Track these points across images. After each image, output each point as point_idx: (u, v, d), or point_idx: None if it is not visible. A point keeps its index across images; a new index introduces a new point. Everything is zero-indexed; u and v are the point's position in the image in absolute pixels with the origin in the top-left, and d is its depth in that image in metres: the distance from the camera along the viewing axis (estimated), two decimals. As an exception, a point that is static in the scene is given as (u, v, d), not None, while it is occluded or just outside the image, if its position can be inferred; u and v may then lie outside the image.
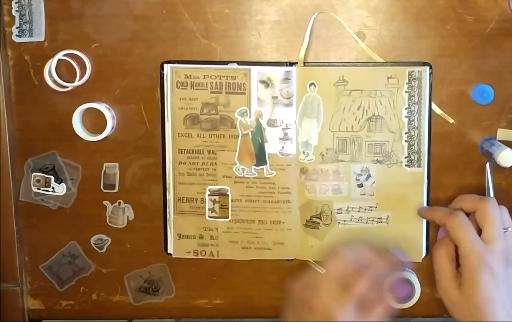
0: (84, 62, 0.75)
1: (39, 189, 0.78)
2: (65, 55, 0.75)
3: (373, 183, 0.76)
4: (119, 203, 0.79)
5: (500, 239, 0.66)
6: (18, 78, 0.76)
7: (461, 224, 0.67)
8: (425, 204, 0.76)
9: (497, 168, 0.75)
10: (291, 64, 0.75)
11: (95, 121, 0.76)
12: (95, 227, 0.79)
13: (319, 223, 0.77)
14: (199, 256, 0.78)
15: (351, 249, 0.67)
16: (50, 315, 0.81)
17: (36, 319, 0.81)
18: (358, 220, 0.77)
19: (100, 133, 0.75)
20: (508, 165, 0.72)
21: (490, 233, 0.67)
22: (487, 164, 0.76)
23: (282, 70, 0.75)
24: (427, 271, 0.78)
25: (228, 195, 0.77)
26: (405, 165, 0.76)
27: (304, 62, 0.75)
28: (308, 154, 0.76)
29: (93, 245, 0.79)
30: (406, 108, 0.75)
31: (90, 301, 0.81)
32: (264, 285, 0.80)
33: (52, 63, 0.74)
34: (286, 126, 0.75)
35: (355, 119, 0.75)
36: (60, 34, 0.75)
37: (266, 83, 0.75)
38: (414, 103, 0.75)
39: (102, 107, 0.75)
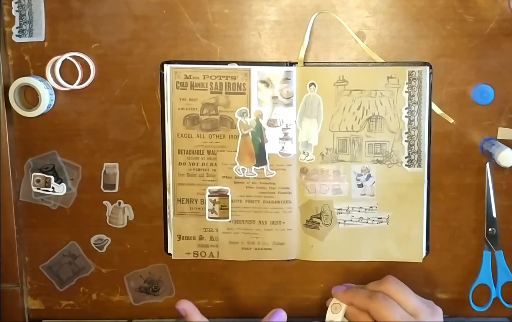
0: (87, 63, 0.75)
1: (39, 189, 0.78)
2: (69, 55, 0.75)
3: (373, 183, 0.76)
4: (119, 203, 0.79)
5: (422, 306, 0.66)
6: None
7: (385, 305, 0.66)
8: (425, 204, 0.76)
9: (497, 168, 0.75)
10: (291, 64, 0.75)
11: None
12: (95, 227, 0.79)
13: (319, 223, 0.77)
14: (199, 257, 0.78)
15: None
16: (50, 315, 0.81)
17: (36, 319, 0.81)
18: (358, 220, 0.77)
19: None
20: (508, 165, 0.72)
21: (411, 305, 0.66)
22: (487, 164, 0.76)
23: (282, 70, 0.75)
24: (427, 271, 0.78)
25: (228, 196, 0.77)
26: (405, 165, 0.76)
27: (304, 62, 0.75)
28: (308, 154, 0.76)
29: (93, 245, 0.79)
30: (406, 108, 0.75)
31: (90, 301, 0.81)
32: (264, 285, 0.80)
33: (57, 64, 0.74)
34: (286, 126, 0.75)
35: (355, 119, 0.75)
36: (60, 34, 0.75)
37: (266, 83, 0.75)
38: (414, 103, 0.75)
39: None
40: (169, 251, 0.79)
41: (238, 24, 0.75)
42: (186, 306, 0.68)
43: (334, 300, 0.71)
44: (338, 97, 0.75)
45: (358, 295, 0.68)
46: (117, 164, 0.78)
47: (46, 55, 0.75)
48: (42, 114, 0.76)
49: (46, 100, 0.74)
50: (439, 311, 0.68)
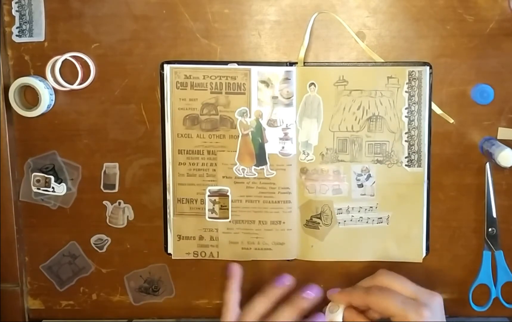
0: (87, 63, 0.75)
1: (39, 189, 0.78)
2: (69, 55, 0.75)
3: (373, 183, 0.76)
4: (119, 203, 0.79)
5: (420, 289, 0.66)
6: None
7: (384, 295, 0.65)
8: (425, 204, 0.76)
9: (497, 168, 0.75)
10: (291, 64, 0.75)
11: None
12: (95, 227, 0.79)
13: (319, 223, 0.77)
14: (199, 257, 0.78)
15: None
16: (50, 315, 0.81)
17: (36, 319, 0.81)
18: (358, 220, 0.77)
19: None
20: (508, 165, 0.72)
21: (409, 290, 0.66)
22: (487, 164, 0.76)
23: (282, 70, 0.75)
24: (427, 271, 0.78)
25: (228, 196, 0.77)
26: (405, 165, 0.76)
27: (304, 62, 0.75)
28: (308, 154, 0.76)
29: (93, 245, 0.79)
30: (406, 108, 0.75)
31: (90, 301, 0.81)
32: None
33: (57, 64, 0.74)
34: (286, 126, 0.75)
35: (355, 119, 0.75)
36: (60, 34, 0.75)
37: (266, 83, 0.75)
38: (414, 103, 0.75)
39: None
40: (169, 251, 0.79)
41: (238, 24, 0.75)
42: (234, 271, 0.71)
43: (330, 303, 0.70)
44: (338, 97, 0.75)
45: (355, 294, 0.68)
46: (117, 164, 0.78)
47: (46, 55, 0.75)
48: (42, 114, 0.76)
49: (46, 100, 0.74)
50: (437, 294, 0.67)
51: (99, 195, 0.78)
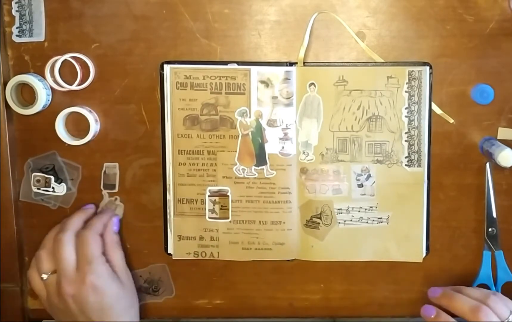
0: (86, 64, 0.75)
1: (39, 189, 0.78)
2: (68, 56, 0.75)
3: (373, 183, 0.76)
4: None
5: None
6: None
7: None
8: (425, 204, 0.76)
9: (497, 168, 0.75)
10: (291, 64, 0.75)
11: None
12: (95, 227, 0.79)
13: (319, 223, 0.77)
14: (200, 257, 0.78)
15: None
16: (50, 315, 0.81)
17: (36, 319, 0.81)
18: (358, 220, 0.77)
19: (84, 136, 0.75)
20: (508, 165, 0.72)
21: None
22: (487, 164, 0.76)
23: (282, 70, 0.75)
24: (427, 271, 0.78)
25: (228, 196, 0.77)
26: (405, 165, 0.76)
27: (304, 62, 0.75)
28: (308, 154, 0.76)
29: (93, 245, 0.79)
30: (406, 108, 0.75)
31: (90, 301, 0.81)
32: (264, 285, 0.80)
33: (56, 64, 0.74)
34: (286, 126, 0.75)
35: (355, 119, 0.75)
36: (60, 34, 0.75)
37: (266, 83, 0.75)
38: (414, 103, 0.75)
39: (84, 111, 0.75)
40: (169, 251, 0.79)
41: (238, 24, 0.75)
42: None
43: None
44: (338, 97, 0.75)
45: (459, 302, 0.70)
46: (117, 164, 0.78)
47: (46, 55, 0.75)
48: (38, 113, 0.75)
49: (43, 99, 0.74)
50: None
51: (99, 195, 0.78)
